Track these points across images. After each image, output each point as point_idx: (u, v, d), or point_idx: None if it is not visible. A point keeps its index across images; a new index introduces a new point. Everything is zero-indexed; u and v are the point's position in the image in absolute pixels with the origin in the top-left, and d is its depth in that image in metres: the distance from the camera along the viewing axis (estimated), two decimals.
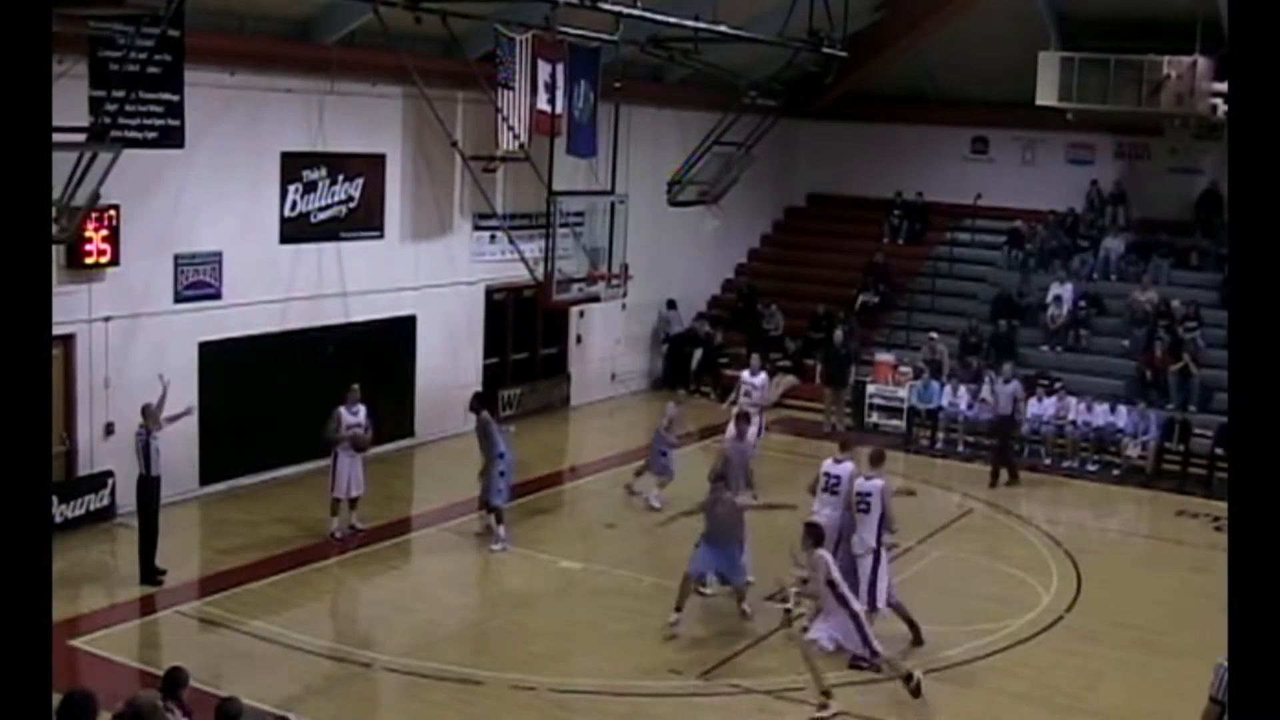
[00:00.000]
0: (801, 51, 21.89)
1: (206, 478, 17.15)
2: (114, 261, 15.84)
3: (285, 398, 17.74)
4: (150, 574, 14.38)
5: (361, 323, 19.50)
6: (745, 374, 20.09)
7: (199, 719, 8.41)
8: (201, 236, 17.15)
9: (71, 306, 15.36)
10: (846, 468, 13.88)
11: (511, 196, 21.60)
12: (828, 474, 13.93)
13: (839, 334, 24.44)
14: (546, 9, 17.43)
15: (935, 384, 23.23)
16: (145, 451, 14.34)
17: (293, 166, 18.25)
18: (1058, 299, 25.05)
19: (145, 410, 14.39)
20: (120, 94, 13.86)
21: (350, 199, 19.16)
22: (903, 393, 23.55)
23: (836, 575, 12.17)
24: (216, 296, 17.40)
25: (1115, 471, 21.46)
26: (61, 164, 12.89)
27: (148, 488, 14.47)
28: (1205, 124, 24.81)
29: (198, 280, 17.18)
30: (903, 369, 23.95)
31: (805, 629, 12.32)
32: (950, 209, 28.51)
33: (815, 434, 22.77)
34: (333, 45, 18.21)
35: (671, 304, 26.74)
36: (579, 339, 24.47)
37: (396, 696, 12.33)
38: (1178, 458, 21.46)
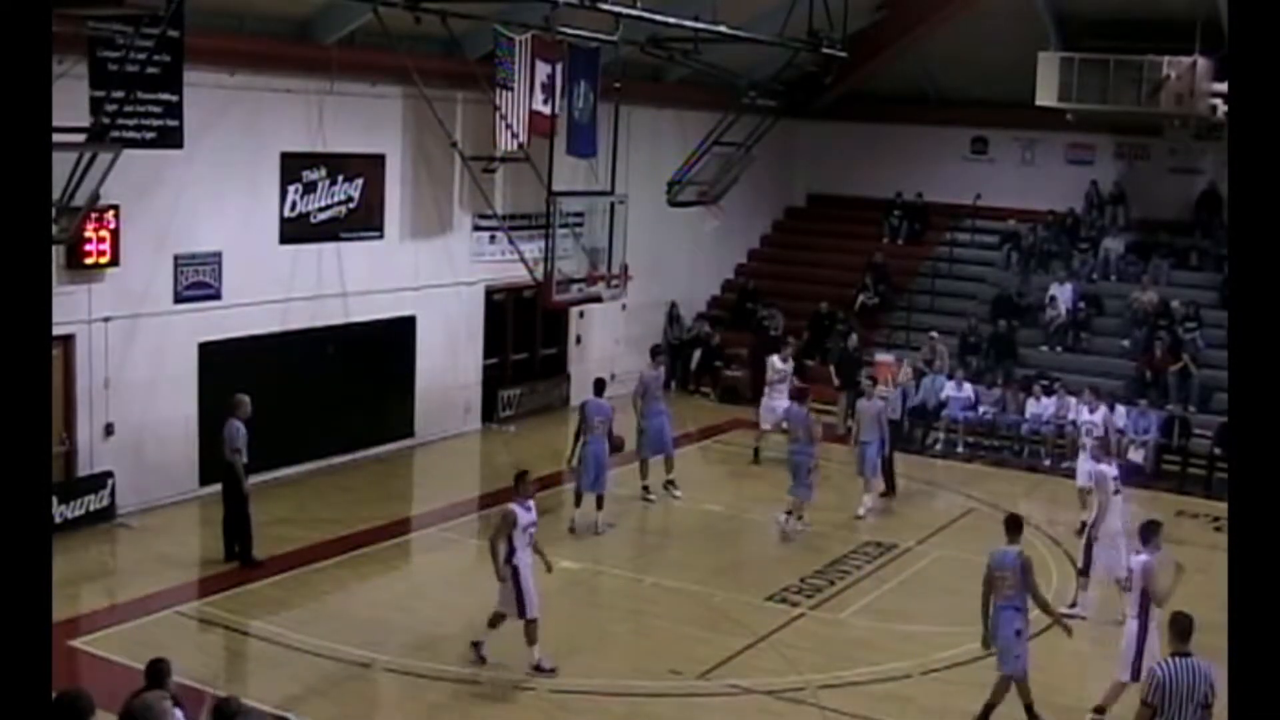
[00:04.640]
0: (801, 51, 21.89)
1: (206, 478, 17.12)
2: (114, 262, 15.84)
3: (285, 398, 17.71)
4: (242, 556, 14.92)
5: (361, 323, 19.50)
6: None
7: (190, 712, 8.38)
8: (201, 237, 17.15)
9: (71, 306, 15.36)
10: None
11: (511, 197, 21.60)
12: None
13: (854, 339, 24.36)
14: (546, 9, 17.41)
15: (939, 379, 23.24)
16: (234, 441, 14.74)
17: (292, 167, 18.25)
18: (1054, 299, 25.08)
19: (237, 402, 14.82)
20: (120, 94, 13.84)
21: (350, 199, 19.16)
22: (895, 391, 23.49)
23: None
24: (216, 297, 17.40)
25: None
26: (61, 164, 12.89)
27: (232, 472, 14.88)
28: (1205, 124, 24.79)
29: (198, 281, 17.17)
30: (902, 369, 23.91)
31: None
32: (950, 209, 28.50)
33: (828, 436, 22.75)
34: (332, 45, 18.21)
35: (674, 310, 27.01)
36: (579, 339, 24.47)
37: (396, 696, 12.33)
38: (1177, 458, 21.47)
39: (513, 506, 12.48)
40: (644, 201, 22.32)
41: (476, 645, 12.58)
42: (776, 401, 20.58)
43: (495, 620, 12.52)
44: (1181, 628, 8.78)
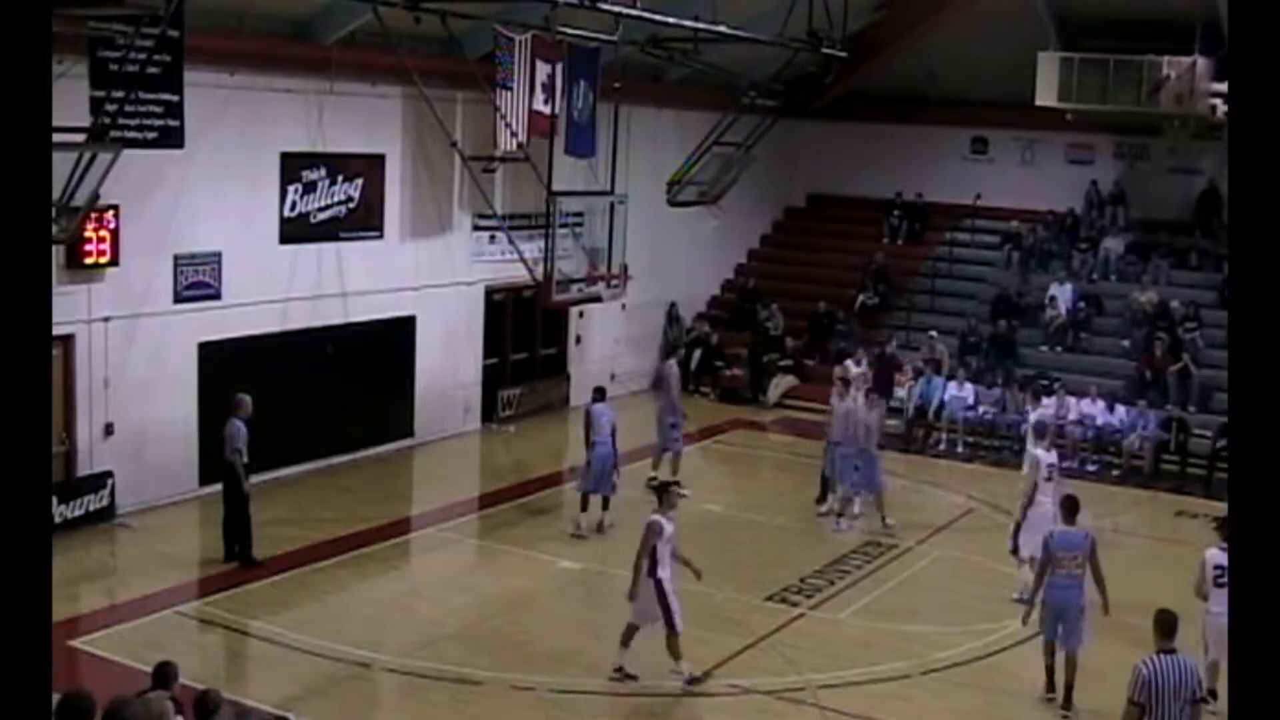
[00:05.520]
0: (801, 51, 21.88)
1: (206, 478, 17.12)
2: (114, 262, 15.84)
3: (285, 398, 17.71)
4: (242, 556, 14.91)
5: (361, 323, 19.50)
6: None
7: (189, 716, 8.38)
8: (201, 237, 17.15)
9: (71, 306, 15.36)
10: None
11: (511, 196, 21.60)
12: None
13: (893, 345, 24.08)
14: (546, 9, 17.42)
15: (938, 379, 23.24)
16: (235, 440, 14.77)
17: (292, 167, 18.25)
18: (1054, 299, 25.07)
19: (238, 402, 14.87)
20: (120, 94, 13.84)
21: (350, 199, 19.17)
22: (902, 393, 23.55)
23: None
24: (216, 297, 17.40)
25: (1115, 471, 21.49)
26: (61, 164, 12.89)
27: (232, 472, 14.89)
28: (1205, 124, 24.80)
29: (197, 280, 17.18)
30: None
31: None
32: (950, 209, 28.51)
33: None
34: (332, 45, 18.21)
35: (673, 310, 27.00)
36: (578, 339, 24.47)
37: (396, 696, 12.33)
38: (1177, 458, 21.49)
39: (657, 517, 12.29)
40: (644, 201, 22.31)
41: (619, 670, 12.37)
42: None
43: (628, 636, 12.38)
44: (1167, 625, 8.81)
